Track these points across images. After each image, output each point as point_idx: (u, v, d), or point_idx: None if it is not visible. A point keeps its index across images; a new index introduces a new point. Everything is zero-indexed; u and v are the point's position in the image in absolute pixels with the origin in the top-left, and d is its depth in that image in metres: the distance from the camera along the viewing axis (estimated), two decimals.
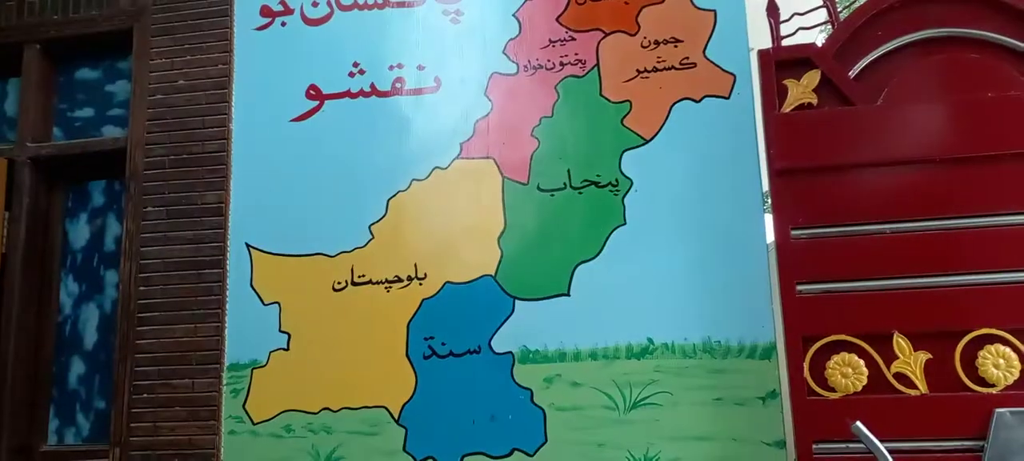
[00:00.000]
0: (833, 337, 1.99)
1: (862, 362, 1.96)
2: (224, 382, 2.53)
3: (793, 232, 2.04)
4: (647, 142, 2.41)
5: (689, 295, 2.31)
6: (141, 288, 2.65)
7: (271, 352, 2.52)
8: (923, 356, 1.93)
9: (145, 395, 2.58)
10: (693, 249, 2.33)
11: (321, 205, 2.58)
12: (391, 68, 2.62)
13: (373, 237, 2.54)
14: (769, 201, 2.14)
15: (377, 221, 2.54)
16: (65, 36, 2.91)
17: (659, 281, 2.33)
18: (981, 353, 1.90)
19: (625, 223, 2.38)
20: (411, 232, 2.52)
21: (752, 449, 2.19)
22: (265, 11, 2.73)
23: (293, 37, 2.70)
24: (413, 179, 2.55)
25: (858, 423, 1.86)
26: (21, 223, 2.82)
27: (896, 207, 1.99)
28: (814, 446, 1.96)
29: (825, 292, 2.00)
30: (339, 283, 2.53)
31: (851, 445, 1.92)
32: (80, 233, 2.93)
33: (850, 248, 2.00)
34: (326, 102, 2.64)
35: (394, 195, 2.55)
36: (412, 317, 2.47)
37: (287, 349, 2.52)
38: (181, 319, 2.60)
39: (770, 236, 2.22)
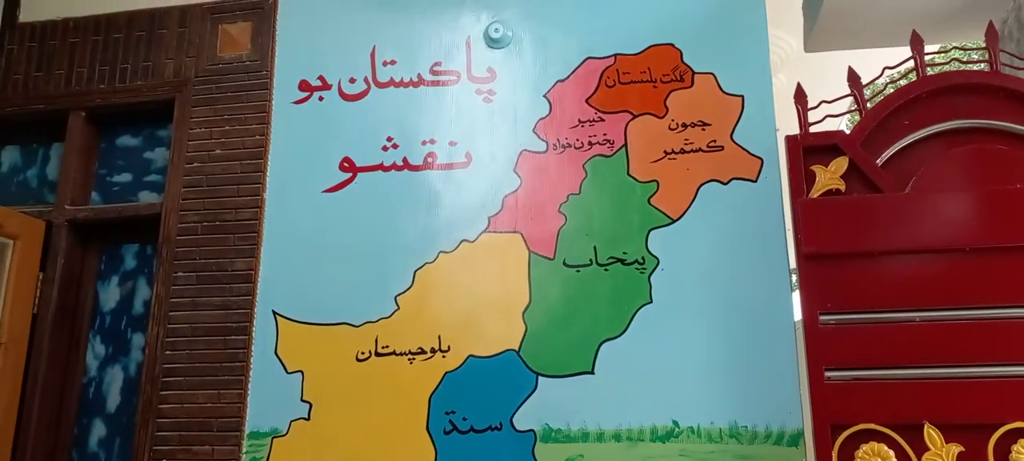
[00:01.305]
0: (862, 426, 1.95)
1: (892, 452, 1.92)
2: (244, 450, 2.52)
3: (821, 317, 2.03)
4: (674, 221, 2.43)
5: (715, 377, 2.29)
6: (167, 352, 2.67)
7: (292, 421, 2.52)
8: (955, 448, 1.89)
9: (165, 460, 2.57)
10: (720, 330, 2.32)
11: (349, 275, 2.61)
12: (424, 143, 2.69)
13: (399, 308, 2.56)
14: (796, 278, 2.14)
15: (403, 292, 2.56)
16: (110, 104, 3.02)
17: (685, 361, 2.32)
18: (1015, 447, 1.86)
19: (651, 301, 2.38)
20: (436, 304, 2.54)
21: None
22: (304, 85, 2.82)
23: (330, 111, 2.78)
24: (440, 251, 2.58)
25: None
26: (54, 285, 2.88)
27: (926, 295, 1.98)
28: None
29: (854, 379, 1.98)
30: (363, 353, 2.54)
31: None
32: (110, 295, 2.98)
33: (879, 335, 1.98)
34: (359, 174, 2.70)
35: (421, 266, 2.58)
36: (434, 390, 2.47)
37: (308, 418, 2.51)
38: (205, 385, 2.61)
39: (797, 314, 2.21)
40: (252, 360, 2.59)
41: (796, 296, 2.23)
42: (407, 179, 2.67)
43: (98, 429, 2.84)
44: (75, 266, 2.95)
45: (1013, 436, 1.87)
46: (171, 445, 2.57)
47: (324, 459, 2.46)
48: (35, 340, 2.83)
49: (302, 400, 2.53)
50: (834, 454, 1.95)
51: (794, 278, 2.33)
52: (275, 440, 2.51)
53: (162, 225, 2.80)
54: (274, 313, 2.63)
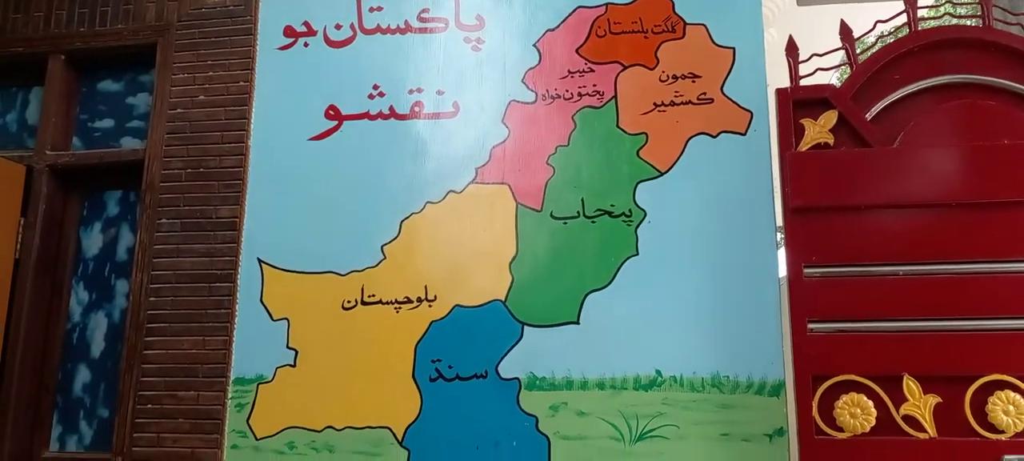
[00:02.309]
0: (843, 377, 1.98)
1: (871, 403, 1.95)
2: (229, 396, 2.53)
3: (806, 270, 2.04)
4: (662, 174, 2.43)
5: (699, 328, 2.31)
6: (151, 299, 2.66)
7: (277, 368, 2.52)
8: (933, 399, 1.93)
9: (149, 406, 2.57)
10: (704, 282, 2.33)
11: (334, 223, 2.59)
12: (410, 92, 2.65)
13: (385, 257, 2.55)
14: (782, 237, 2.15)
15: (389, 241, 2.56)
16: (90, 48, 2.96)
17: (669, 313, 2.33)
18: (991, 399, 1.90)
19: (637, 254, 2.39)
20: (423, 254, 2.53)
21: None
22: (288, 31, 2.77)
23: (315, 58, 2.74)
24: (427, 202, 2.57)
25: None
26: (36, 230, 2.84)
27: (910, 249, 2.00)
28: None
29: (836, 331, 2.00)
30: (349, 302, 2.54)
31: None
32: (93, 242, 2.95)
33: (863, 288, 2.00)
34: (344, 123, 2.67)
35: (407, 217, 2.57)
36: (420, 339, 2.47)
37: (294, 365, 2.52)
38: (189, 331, 2.61)
39: (782, 271, 2.23)
40: (237, 307, 2.59)
41: (781, 253, 2.25)
42: (393, 128, 2.64)
43: (82, 374, 2.84)
44: (57, 212, 2.92)
45: (990, 388, 1.90)
46: (156, 390, 2.58)
47: (310, 405, 2.47)
48: (17, 285, 2.80)
49: (288, 347, 2.53)
50: (814, 404, 1.98)
51: (780, 236, 2.34)
52: (261, 386, 2.52)
53: (145, 171, 2.77)
54: (259, 261, 2.61)
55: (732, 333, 2.28)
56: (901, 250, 2.01)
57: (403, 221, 2.56)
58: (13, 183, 2.83)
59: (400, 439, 2.41)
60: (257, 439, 2.49)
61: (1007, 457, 1.84)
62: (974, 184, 1.99)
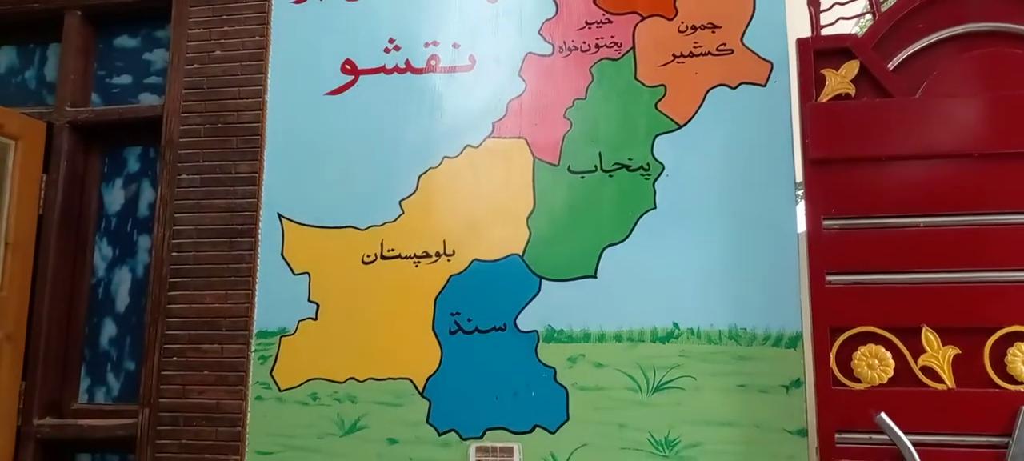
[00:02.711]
0: (861, 328, 1.99)
1: (889, 354, 1.96)
2: (252, 349, 2.58)
3: (825, 222, 2.04)
4: (681, 127, 2.41)
5: (717, 282, 2.32)
6: (173, 254, 2.69)
7: (300, 321, 2.56)
8: (951, 351, 1.93)
9: (175, 358, 2.63)
10: (723, 236, 2.33)
11: (353, 179, 2.61)
12: (426, 45, 2.64)
13: (403, 212, 2.56)
14: (801, 192, 2.14)
15: (407, 197, 2.57)
16: (106, 3, 2.95)
17: (687, 267, 2.34)
18: (1011, 350, 1.90)
19: (655, 208, 2.39)
20: (440, 209, 2.54)
21: (774, 436, 2.20)
22: None
23: (330, 12, 2.72)
24: (444, 156, 2.57)
25: (882, 414, 1.87)
26: (58, 186, 2.88)
27: (931, 201, 1.98)
28: (836, 435, 1.96)
29: (855, 283, 2.00)
30: (369, 256, 2.56)
31: (874, 436, 1.93)
32: (115, 198, 2.98)
33: (882, 240, 1.99)
34: (360, 77, 2.66)
35: (425, 172, 2.57)
36: (439, 292, 2.50)
37: (315, 319, 2.56)
38: (212, 285, 2.65)
39: (801, 227, 2.22)
40: (258, 262, 2.62)
41: (800, 209, 2.24)
42: (410, 82, 2.63)
43: (108, 328, 2.89)
44: (78, 168, 2.95)
45: (1010, 339, 1.90)
46: (181, 343, 2.63)
47: (333, 358, 2.52)
48: (42, 241, 2.85)
49: (309, 301, 2.57)
50: (832, 355, 1.99)
51: (799, 192, 2.33)
52: (283, 339, 2.56)
53: (164, 127, 2.78)
54: (279, 216, 2.64)
55: (750, 286, 2.29)
56: (922, 201, 1.99)
57: (421, 176, 2.57)
58: (34, 140, 2.85)
59: (421, 390, 2.45)
60: (281, 390, 2.54)
61: None
62: (997, 134, 1.96)
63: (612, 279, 2.40)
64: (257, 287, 2.61)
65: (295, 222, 2.63)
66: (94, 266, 2.95)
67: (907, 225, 1.99)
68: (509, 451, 2.37)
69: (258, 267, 2.62)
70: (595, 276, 2.41)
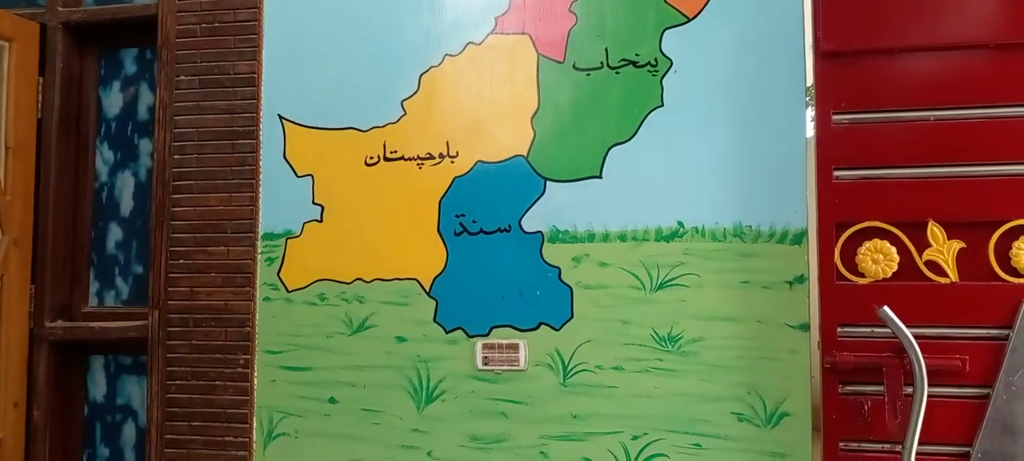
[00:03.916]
0: (866, 224, 1.98)
1: (894, 249, 1.96)
2: (259, 251, 2.59)
3: (835, 117, 2.01)
4: (690, 20, 2.35)
5: (723, 180, 2.30)
6: (175, 157, 2.67)
7: (305, 223, 2.57)
8: (956, 245, 1.93)
9: (181, 261, 2.65)
10: (730, 134, 2.30)
11: (353, 78, 2.56)
12: None
13: (405, 113, 2.53)
14: (810, 97, 2.10)
15: (409, 97, 2.53)
16: None
17: (693, 165, 2.32)
18: (1016, 243, 1.89)
19: (662, 105, 2.35)
20: (443, 109, 2.51)
21: (776, 331, 2.23)
22: None
23: None
24: (446, 54, 2.52)
25: (885, 307, 1.88)
26: (55, 89, 2.83)
27: (942, 94, 1.95)
28: (839, 329, 1.98)
29: (862, 178, 1.99)
30: (372, 158, 2.54)
31: (876, 330, 1.95)
32: (113, 101, 2.95)
33: (891, 134, 1.97)
34: None
35: (426, 70, 2.52)
36: (444, 194, 2.49)
37: (321, 221, 2.56)
38: (215, 188, 2.64)
39: (810, 132, 2.20)
40: (261, 164, 2.60)
41: (809, 113, 2.21)
42: None
43: (114, 232, 2.91)
44: (74, 70, 2.90)
45: (1015, 233, 1.90)
46: (187, 246, 2.64)
47: (339, 259, 2.53)
48: (42, 145, 2.83)
49: (314, 203, 2.56)
50: (837, 250, 1.99)
51: (808, 99, 2.28)
52: (289, 241, 2.57)
53: (159, 27, 2.72)
54: (280, 117, 2.61)
55: (756, 184, 2.27)
56: (933, 95, 1.96)
57: (422, 75, 2.52)
58: (28, 40, 2.80)
59: (428, 290, 2.47)
60: (288, 291, 2.56)
61: None
62: (1013, 24, 1.91)
63: (617, 179, 2.38)
64: (261, 189, 2.60)
65: (296, 124, 2.60)
66: (96, 171, 2.94)
67: (917, 119, 1.96)
68: (515, 348, 2.41)
69: (261, 169, 2.60)
70: (600, 176, 2.39)
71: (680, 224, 2.33)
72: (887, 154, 1.97)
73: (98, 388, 2.91)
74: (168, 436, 2.61)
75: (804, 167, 2.24)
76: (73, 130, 2.90)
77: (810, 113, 2.16)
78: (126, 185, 2.91)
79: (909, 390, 1.87)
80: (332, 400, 2.52)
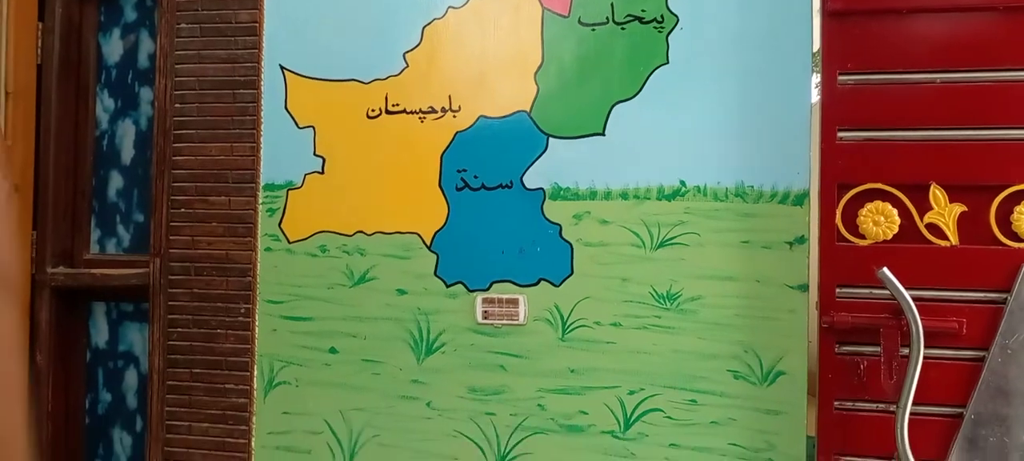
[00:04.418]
0: (869, 185, 1.98)
1: (895, 211, 1.96)
2: (260, 201, 2.59)
3: (840, 78, 1.99)
4: None
5: (726, 140, 2.29)
6: (176, 106, 2.66)
7: (306, 174, 2.56)
8: (958, 208, 1.93)
9: (183, 210, 2.65)
10: (735, 93, 2.28)
11: (355, 30, 2.54)
12: None
13: (408, 66, 2.51)
14: (816, 63, 2.08)
15: (412, 49, 2.51)
16: None
17: (697, 123, 2.31)
18: (1017, 208, 1.89)
19: (668, 62, 2.33)
20: (445, 62, 2.49)
21: (774, 291, 2.24)
22: None
23: None
24: (449, 6, 2.49)
25: (885, 269, 1.89)
26: (55, 35, 2.81)
27: (950, 56, 1.93)
28: (837, 290, 2.00)
29: (866, 140, 1.98)
30: (373, 111, 2.53)
31: (875, 291, 1.96)
32: (113, 48, 2.92)
33: (897, 96, 1.96)
34: None
35: (429, 22, 2.50)
36: (445, 149, 2.48)
37: (322, 173, 2.56)
38: (216, 138, 2.63)
39: (815, 97, 2.18)
40: (262, 114, 2.59)
41: (814, 79, 2.20)
42: None
43: (115, 180, 2.90)
44: (74, 16, 2.87)
45: (1017, 198, 1.90)
46: (188, 195, 2.64)
47: (340, 211, 2.53)
48: (43, 92, 2.81)
49: (315, 155, 2.56)
50: (838, 211, 2.00)
51: (816, 66, 2.26)
52: (290, 192, 2.57)
53: None
54: (281, 67, 2.59)
55: (759, 143, 2.26)
56: (940, 57, 1.94)
57: (425, 26, 2.50)
58: None
59: (429, 244, 2.48)
60: (290, 242, 2.57)
61: None
62: None
63: (621, 137, 2.37)
64: (262, 140, 2.59)
65: (298, 74, 2.58)
66: (97, 118, 2.92)
67: (923, 80, 1.95)
68: (515, 302, 2.42)
69: (262, 120, 2.59)
70: (603, 134, 2.38)
71: (682, 183, 2.33)
72: (892, 116, 1.97)
73: (100, 334, 2.93)
74: (169, 383, 2.64)
75: (808, 128, 2.23)
76: (73, 77, 2.88)
77: (816, 79, 2.15)
78: (127, 133, 2.90)
79: (905, 351, 1.89)
80: (333, 350, 2.55)
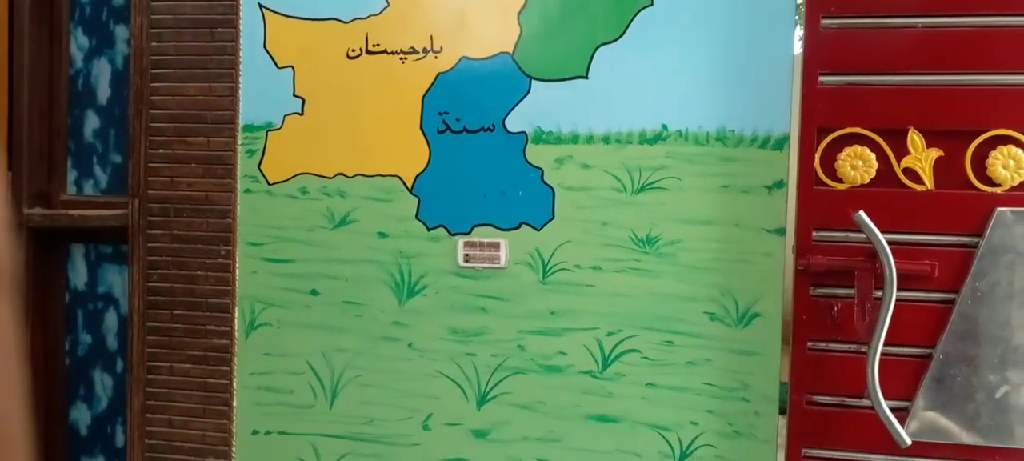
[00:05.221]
0: (848, 129, 1.99)
1: (874, 156, 1.98)
2: (239, 142, 2.57)
3: (823, 21, 1.99)
4: None
5: (709, 83, 2.29)
6: (153, 44, 2.61)
7: (286, 116, 2.54)
8: (935, 153, 1.95)
9: (161, 150, 2.62)
10: (719, 37, 2.27)
11: None
12: None
13: (388, 5, 2.47)
14: (800, 15, 2.08)
15: None
16: None
17: (680, 67, 2.30)
18: (992, 154, 1.91)
19: (652, 4, 2.31)
20: (427, 1, 2.45)
21: (752, 234, 2.26)
22: None
23: None
24: None
25: (861, 212, 1.91)
26: None
27: (932, 0, 1.93)
28: (814, 233, 2.02)
29: (848, 84, 1.99)
30: (353, 51, 2.50)
31: (851, 234, 1.99)
32: None
33: (879, 39, 1.96)
34: None
35: None
36: (427, 91, 2.46)
37: (301, 114, 2.53)
38: (194, 77, 2.59)
39: (797, 48, 2.18)
40: (241, 54, 2.55)
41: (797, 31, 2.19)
42: None
43: (91, 120, 2.86)
44: None
45: (993, 143, 1.92)
46: (166, 136, 2.61)
47: (320, 153, 2.52)
48: (15, 30, 2.75)
49: (295, 95, 2.53)
50: (817, 156, 2.01)
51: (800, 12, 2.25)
52: (270, 133, 2.55)
53: None
54: (260, 5, 2.54)
55: (742, 88, 2.26)
56: (922, 1, 1.94)
57: None
58: None
59: (410, 187, 2.47)
60: (270, 184, 2.56)
61: (1000, 209, 1.90)
62: None
63: (604, 79, 2.36)
64: (241, 80, 2.56)
65: (276, 13, 2.54)
66: (71, 57, 2.87)
67: (905, 25, 1.95)
68: (496, 246, 2.43)
69: (241, 59, 2.55)
70: (586, 77, 2.37)
71: (664, 127, 2.33)
72: (873, 60, 1.97)
73: (79, 276, 2.92)
74: (150, 324, 2.64)
75: (790, 72, 2.23)
76: (46, 13, 2.81)
77: (799, 31, 2.14)
78: (102, 72, 2.85)
79: (879, 294, 1.92)
80: (314, 292, 2.55)
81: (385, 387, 2.53)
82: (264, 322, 2.59)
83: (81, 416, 2.95)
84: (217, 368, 2.61)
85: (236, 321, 2.60)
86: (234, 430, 2.63)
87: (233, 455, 2.63)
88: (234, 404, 2.62)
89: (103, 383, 2.93)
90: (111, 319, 2.90)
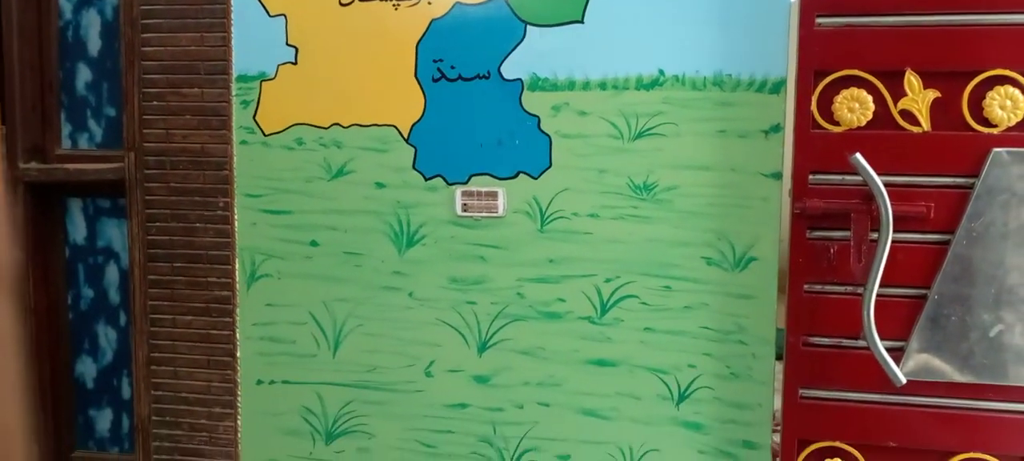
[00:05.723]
0: (845, 72, 1.98)
1: (870, 98, 1.97)
2: (233, 93, 2.55)
3: None
4: None
5: (705, 27, 2.26)
6: None
7: (279, 65, 2.51)
8: (932, 94, 1.95)
9: (155, 102, 2.60)
10: None
11: None
12: None
13: None
14: None
15: None
16: None
17: (676, 11, 2.27)
18: (989, 94, 1.91)
19: None
20: None
21: (748, 179, 2.27)
22: None
23: None
24: None
25: (858, 155, 1.92)
26: None
27: None
28: (810, 177, 2.02)
29: (845, 26, 1.97)
30: None
31: (847, 177, 1.99)
32: None
33: None
34: None
35: None
36: (421, 38, 2.44)
37: (295, 63, 2.51)
38: (186, 27, 2.56)
39: None
40: (232, 2, 2.51)
41: None
42: None
43: (83, 73, 2.83)
44: None
45: (990, 83, 1.91)
46: (160, 88, 2.59)
47: (315, 103, 2.50)
48: None
49: (287, 44, 2.50)
50: (814, 98, 2.00)
51: None
52: (264, 83, 2.52)
53: None
54: None
55: (739, 31, 2.24)
56: None
57: None
58: None
59: (406, 137, 2.47)
60: (265, 135, 2.55)
61: (996, 150, 1.90)
62: None
63: (599, 24, 2.33)
64: (233, 29, 2.52)
65: None
66: (60, 8, 2.82)
67: None
68: (494, 195, 2.44)
69: (232, 8, 2.52)
70: (582, 21, 2.34)
71: (661, 72, 2.31)
72: (870, 1, 1.95)
73: (78, 230, 2.92)
74: (151, 277, 2.66)
75: (787, 15, 2.20)
76: None
77: None
78: (92, 23, 2.80)
79: (875, 236, 1.94)
80: (313, 243, 2.56)
81: (387, 336, 2.56)
82: (265, 273, 2.61)
83: (87, 369, 2.98)
84: (219, 319, 2.64)
85: (237, 273, 2.61)
86: (239, 380, 2.67)
87: (238, 405, 2.68)
88: (238, 355, 2.65)
89: (107, 336, 2.96)
90: (112, 273, 2.91)
